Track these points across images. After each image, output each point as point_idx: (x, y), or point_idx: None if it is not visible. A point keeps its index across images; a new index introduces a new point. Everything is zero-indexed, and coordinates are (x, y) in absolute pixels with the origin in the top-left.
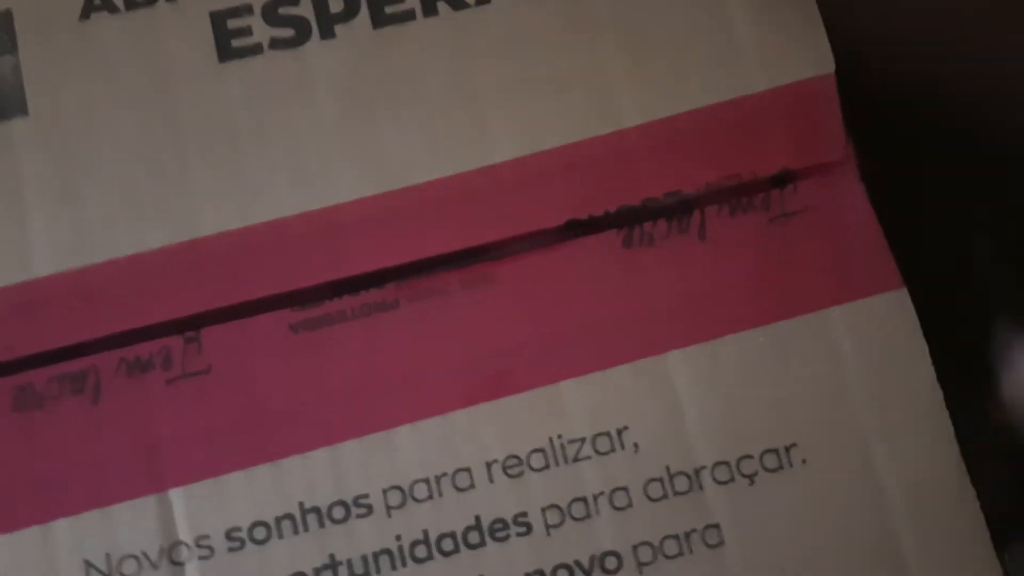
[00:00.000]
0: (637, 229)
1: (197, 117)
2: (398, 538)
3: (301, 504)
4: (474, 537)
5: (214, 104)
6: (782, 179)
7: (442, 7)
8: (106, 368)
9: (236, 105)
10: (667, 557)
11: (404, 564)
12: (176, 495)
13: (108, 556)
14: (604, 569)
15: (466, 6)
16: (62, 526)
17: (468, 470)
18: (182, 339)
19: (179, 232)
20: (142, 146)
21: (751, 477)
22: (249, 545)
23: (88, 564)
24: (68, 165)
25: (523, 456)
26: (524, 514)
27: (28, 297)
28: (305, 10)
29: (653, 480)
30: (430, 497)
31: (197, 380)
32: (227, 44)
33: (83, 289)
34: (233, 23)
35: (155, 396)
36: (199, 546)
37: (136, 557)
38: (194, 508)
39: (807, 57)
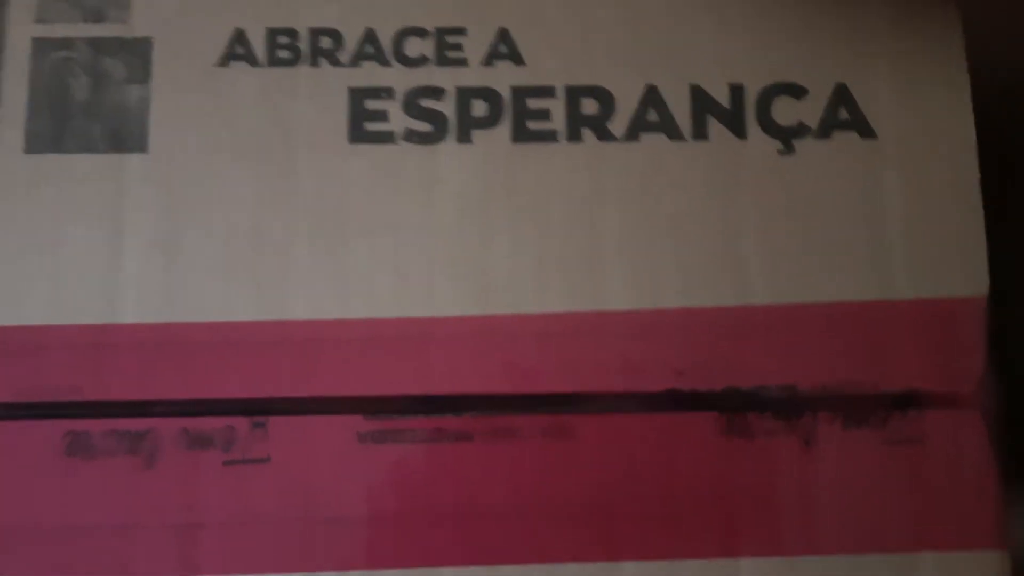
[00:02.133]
0: (740, 417)
1: (315, 195)
2: None
3: None
4: None
5: (335, 185)
6: (906, 400)
7: (587, 134)
8: (167, 435)
9: (356, 191)
10: None
11: None
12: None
13: None
14: None
15: (612, 138)
16: None
17: None
18: (249, 422)
19: (270, 310)
20: (254, 210)
21: None
22: None
23: None
24: (176, 212)
25: None
26: None
27: (106, 340)
28: (447, 107)
29: None
30: None
31: (255, 468)
32: (360, 125)
33: (162, 346)
34: (371, 104)
35: (209, 475)
36: None
37: None
38: None
39: (961, 274)
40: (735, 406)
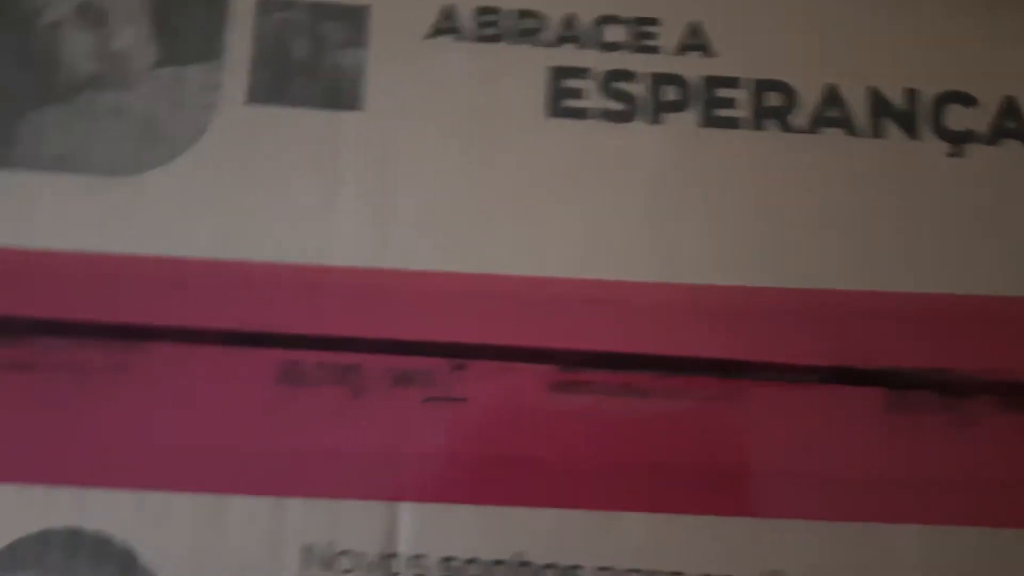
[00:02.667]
0: (901, 396)
1: (513, 164)
2: None
3: (518, 555)
4: None
5: (532, 156)
6: None
7: (771, 124)
8: (373, 371)
9: (552, 162)
10: None
11: None
12: (406, 509)
13: (329, 545)
14: None
15: (793, 129)
16: (295, 505)
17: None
18: (449, 364)
19: (472, 264)
20: (458, 173)
21: None
22: None
23: (307, 549)
24: (387, 169)
25: None
26: None
27: (318, 281)
28: (640, 89)
29: None
30: None
31: (453, 406)
32: (558, 101)
33: (371, 289)
34: (568, 82)
35: (410, 410)
36: (415, 563)
37: (354, 555)
38: (419, 526)
39: None
40: (897, 383)
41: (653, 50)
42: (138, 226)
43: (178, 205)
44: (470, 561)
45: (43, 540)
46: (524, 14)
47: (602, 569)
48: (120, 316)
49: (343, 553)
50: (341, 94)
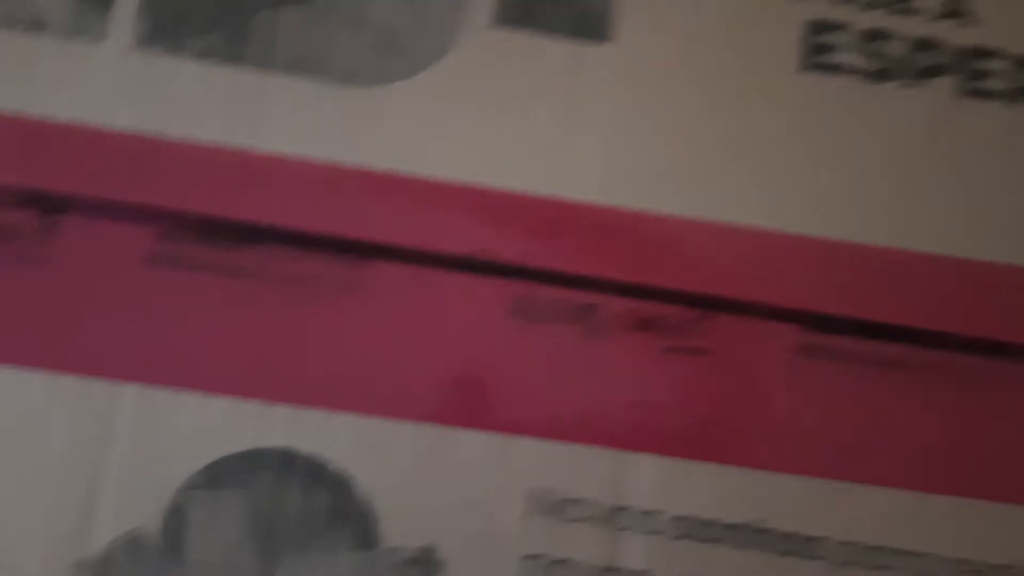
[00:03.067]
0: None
1: (762, 115)
2: None
3: (760, 520)
4: None
5: (782, 109)
6: None
7: None
8: (613, 313)
9: (802, 117)
10: None
11: None
12: (640, 461)
13: (556, 492)
14: None
15: None
16: (523, 446)
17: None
18: (694, 313)
19: (716, 213)
20: (704, 118)
21: None
22: (695, 539)
23: (533, 493)
24: (631, 107)
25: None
26: None
27: (557, 215)
28: (896, 51)
29: None
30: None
31: (696, 359)
32: (811, 56)
33: (611, 229)
34: (824, 38)
35: (650, 358)
36: (646, 520)
37: (583, 504)
38: (654, 481)
39: None
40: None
41: (914, 12)
42: (375, 139)
43: (418, 121)
44: (706, 523)
45: (252, 459)
46: None
47: (844, 544)
48: (350, 231)
49: (570, 501)
50: (589, 24)
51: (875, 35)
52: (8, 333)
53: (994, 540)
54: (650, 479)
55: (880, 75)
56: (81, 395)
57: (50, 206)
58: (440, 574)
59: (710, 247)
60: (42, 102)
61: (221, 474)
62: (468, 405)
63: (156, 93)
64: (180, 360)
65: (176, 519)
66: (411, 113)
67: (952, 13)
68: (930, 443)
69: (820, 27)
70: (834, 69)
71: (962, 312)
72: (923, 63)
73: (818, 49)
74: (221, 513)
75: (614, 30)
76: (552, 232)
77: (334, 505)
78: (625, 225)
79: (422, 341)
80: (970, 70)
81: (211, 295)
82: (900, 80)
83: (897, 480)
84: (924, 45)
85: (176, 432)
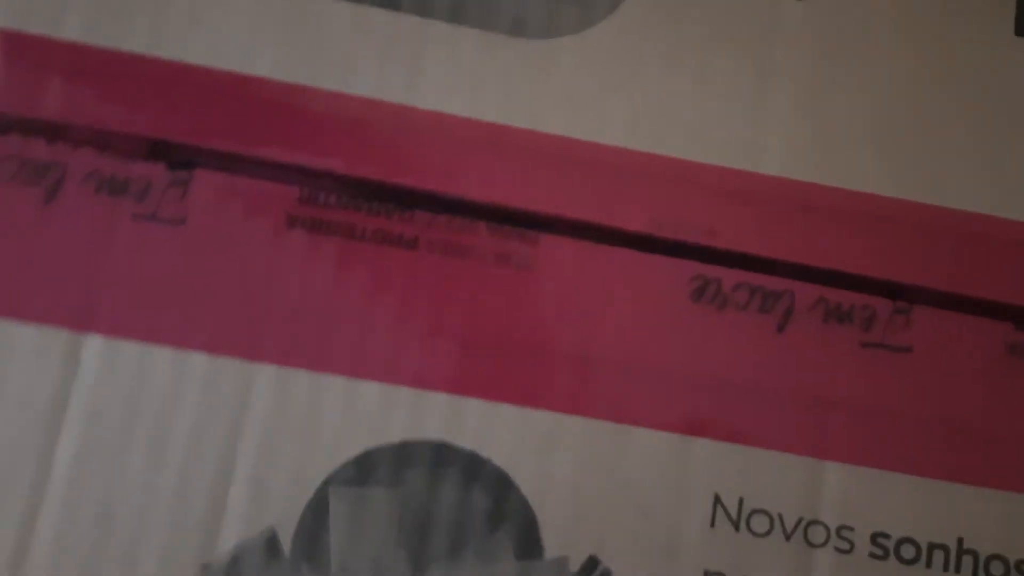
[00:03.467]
0: None
1: (973, 84)
2: None
3: (960, 541)
4: None
5: (995, 78)
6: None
7: None
8: (803, 300)
9: (1017, 87)
10: None
11: None
12: (833, 470)
13: (741, 501)
14: None
15: None
16: (705, 448)
17: None
18: (891, 305)
19: (918, 191)
20: (907, 85)
21: None
22: (892, 559)
23: (719, 500)
24: (828, 67)
25: None
26: None
27: (742, 186)
28: None
29: None
30: None
31: (895, 356)
32: None
33: (801, 207)
34: None
35: (844, 353)
36: (840, 536)
37: (769, 516)
38: (849, 493)
39: None
40: None
41: None
42: (544, 98)
43: (591, 80)
44: (903, 541)
45: (404, 453)
46: None
47: None
48: (515, 200)
49: (758, 512)
50: None
51: None
52: (134, 301)
53: None
54: (843, 491)
55: None
56: (212, 375)
57: (180, 160)
58: None
59: (911, 230)
60: (175, 44)
61: (369, 469)
62: (644, 399)
63: (302, 37)
64: (325, 339)
65: (315, 519)
66: (582, 69)
67: None
68: None
69: None
70: None
71: None
72: None
73: None
74: (368, 513)
75: None
76: (734, 208)
77: (493, 508)
78: (815, 202)
79: (593, 325)
80: None
81: (359, 265)
82: None
83: None
84: None
85: (318, 420)
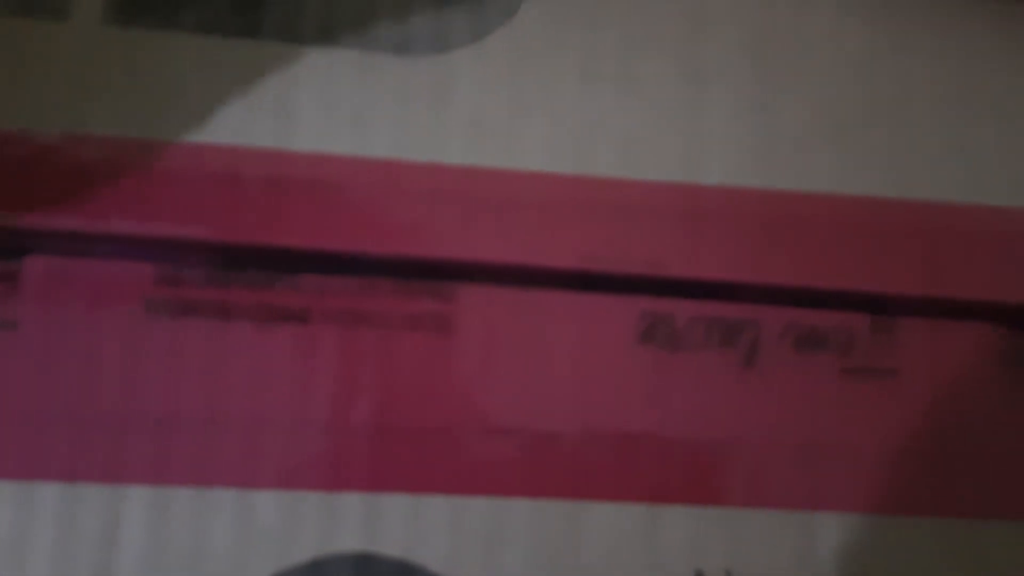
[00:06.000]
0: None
1: (934, 54)
2: None
3: None
4: None
5: (957, 41)
6: None
7: None
8: (769, 329)
9: (981, 49)
10: None
11: None
12: (829, 523)
13: (728, 574)
14: None
15: None
16: (674, 516)
17: None
18: (870, 323)
19: (889, 187)
20: (864, 65)
21: None
22: None
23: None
24: (767, 56)
25: None
26: None
27: (694, 208)
28: None
29: None
30: None
31: (881, 383)
32: None
33: (757, 219)
34: None
35: (825, 382)
36: None
37: None
38: (851, 546)
39: None
40: None
41: None
42: (443, 125)
43: (496, 98)
44: None
45: (319, 572)
46: None
47: None
48: (421, 249)
49: None
50: None
51: None
52: None
53: None
54: (845, 544)
55: None
56: (67, 507)
57: (4, 247)
58: None
59: (885, 233)
60: None
61: None
62: (598, 470)
63: (142, 81)
64: (206, 446)
65: None
66: (486, 88)
67: None
68: None
69: None
70: None
71: None
72: None
73: None
74: None
75: None
76: (683, 229)
77: None
78: (776, 213)
79: (528, 390)
80: None
81: (239, 350)
82: None
83: None
84: None
85: (208, 546)
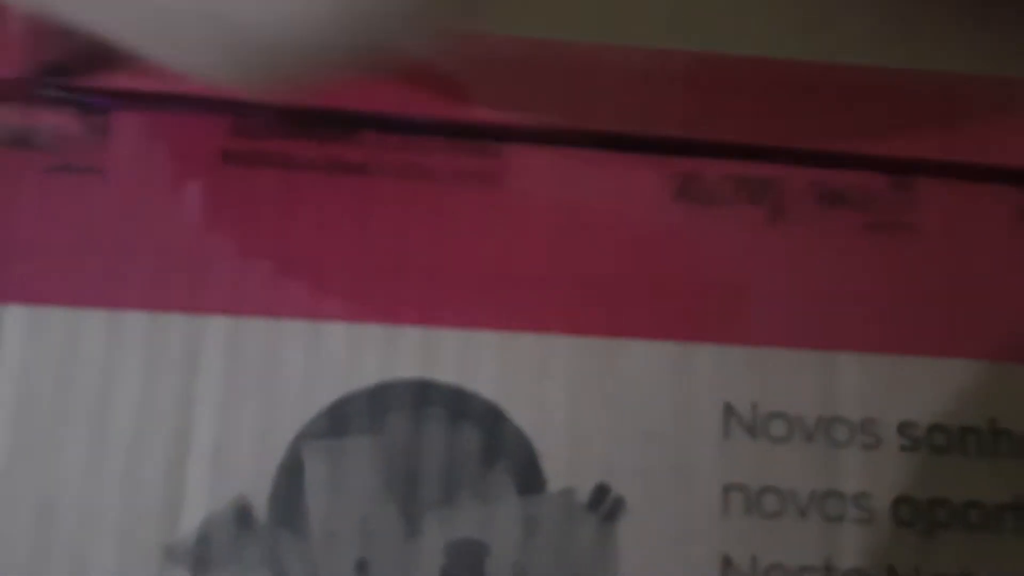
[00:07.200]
0: None
1: None
2: None
3: (992, 422)
4: None
5: None
6: None
7: None
8: (793, 186)
9: None
10: None
11: None
12: (847, 362)
13: (754, 407)
14: None
15: None
16: (705, 354)
17: None
18: (890, 182)
19: (905, 57)
20: None
21: None
22: (924, 449)
23: (728, 408)
24: None
25: None
26: None
27: (723, 74)
28: None
29: None
30: None
31: (900, 235)
32: None
33: (783, 86)
34: None
35: (849, 238)
36: (864, 431)
37: (787, 419)
38: (868, 384)
39: None
40: None
41: None
42: None
43: None
44: (933, 428)
45: (381, 396)
46: None
47: None
48: (465, 113)
49: (774, 416)
50: None
51: None
52: (54, 262)
53: None
54: (861, 382)
55: None
56: (153, 335)
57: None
58: (623, 516)
59: (903, 98)
60: None
61: (343, 418)
62: (634, 311)
63: None
64: (278, 281)
65: (290, 481)
66: None
67: None
68: None
69: None
70: None
71: None
72: None
73: None
74: (348, 467)
75: None
76: (713, 94)
77: (486, 444)
78: (794, 79)
79: (571, 238)
80: None
81: (303, 194)
82: None
83: None
84: None
85: (281, 371)
